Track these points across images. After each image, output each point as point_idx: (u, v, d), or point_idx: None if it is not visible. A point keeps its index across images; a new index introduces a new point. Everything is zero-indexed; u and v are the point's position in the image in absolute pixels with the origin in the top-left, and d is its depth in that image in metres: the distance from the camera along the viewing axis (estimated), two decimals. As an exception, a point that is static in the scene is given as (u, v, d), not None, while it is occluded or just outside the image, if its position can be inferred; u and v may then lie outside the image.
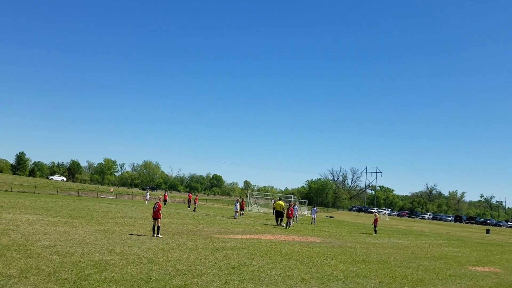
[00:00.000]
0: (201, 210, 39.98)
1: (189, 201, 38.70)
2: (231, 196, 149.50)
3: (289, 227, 25.46)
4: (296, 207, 32.80)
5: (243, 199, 39.27)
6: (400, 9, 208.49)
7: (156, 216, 15.06)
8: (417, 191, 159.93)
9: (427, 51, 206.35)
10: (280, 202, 27.64)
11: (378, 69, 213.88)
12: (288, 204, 27.14)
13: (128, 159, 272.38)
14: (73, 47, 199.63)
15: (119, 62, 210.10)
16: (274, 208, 42.69)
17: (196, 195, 40.44)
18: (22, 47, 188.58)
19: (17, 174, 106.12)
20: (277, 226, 25.68)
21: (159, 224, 15.13)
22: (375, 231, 28.07)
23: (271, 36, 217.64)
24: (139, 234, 15.32)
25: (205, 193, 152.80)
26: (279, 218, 26.97)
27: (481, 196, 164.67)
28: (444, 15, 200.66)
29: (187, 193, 41.96)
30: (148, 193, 44.59)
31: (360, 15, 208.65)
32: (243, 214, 34.65)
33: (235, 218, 30.10)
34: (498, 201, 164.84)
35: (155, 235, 14.95)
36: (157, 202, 15.50)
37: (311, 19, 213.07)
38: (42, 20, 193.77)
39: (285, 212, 26.59)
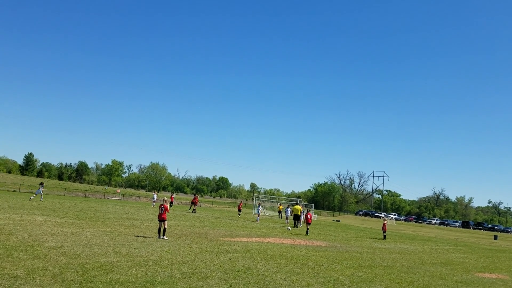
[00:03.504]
0: (207, 213, 40.01)
1: (192, 203, 38.33)
2: (237, 198, 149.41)
3: (307, 233, 24.54)
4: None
5: (241, 201, 42.92)
6: (409, 10, 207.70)
7: (162, 218, 15.10)
8: (425, 196, 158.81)
9: (435, 53, 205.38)
10: (298, 206, 30.49)
11: (386, 72, 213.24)
12: (307, 210, 27.98)
13: (135, 160, 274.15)
14: (81, 48, 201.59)
15: (127, 63, 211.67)
16: (280, 212, 44.06)
17: (196, 197, 40.36)
18: (29, 48, 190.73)
19: (25, 175, 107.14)
20: (293, 229, 26.91)
21: (165, 226, 15.17)
22: (384, 236, 27.88)
23: (279, 37, 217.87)
24: (145, 236, 15.38)
25: (211, 195, 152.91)
26: (297, 221, 29.44)
27: (489, 202, 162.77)
28: (457, 15, 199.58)
29: (194, 195, 41.61)
30: (155, 195, 44.75)
31: (371, 16, 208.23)
32: (240, 214, 37.03)
33: (257, 221, 31.71)
34: (506, 207, 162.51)
35: (161, 237, 14.99)
36: (163, 204, 15.52)
37: (320, 21, 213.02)
38: (47, 20, 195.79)
39: (303, 217, 28.89)
